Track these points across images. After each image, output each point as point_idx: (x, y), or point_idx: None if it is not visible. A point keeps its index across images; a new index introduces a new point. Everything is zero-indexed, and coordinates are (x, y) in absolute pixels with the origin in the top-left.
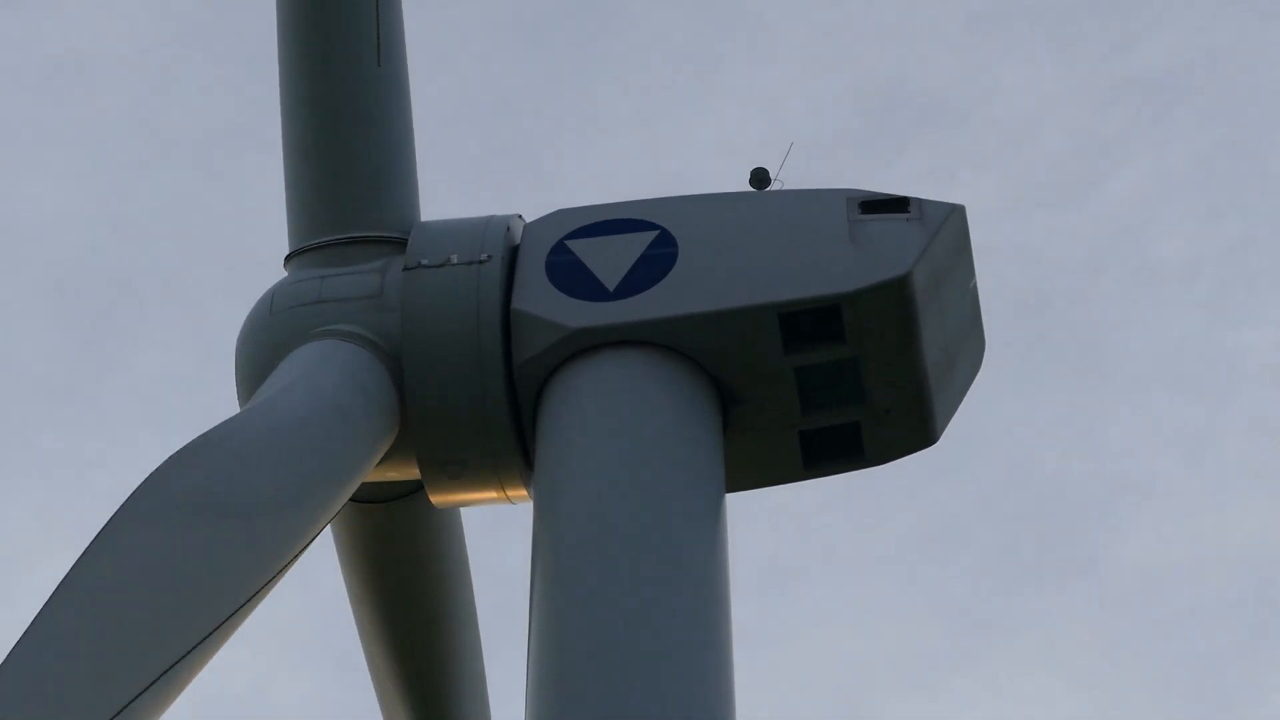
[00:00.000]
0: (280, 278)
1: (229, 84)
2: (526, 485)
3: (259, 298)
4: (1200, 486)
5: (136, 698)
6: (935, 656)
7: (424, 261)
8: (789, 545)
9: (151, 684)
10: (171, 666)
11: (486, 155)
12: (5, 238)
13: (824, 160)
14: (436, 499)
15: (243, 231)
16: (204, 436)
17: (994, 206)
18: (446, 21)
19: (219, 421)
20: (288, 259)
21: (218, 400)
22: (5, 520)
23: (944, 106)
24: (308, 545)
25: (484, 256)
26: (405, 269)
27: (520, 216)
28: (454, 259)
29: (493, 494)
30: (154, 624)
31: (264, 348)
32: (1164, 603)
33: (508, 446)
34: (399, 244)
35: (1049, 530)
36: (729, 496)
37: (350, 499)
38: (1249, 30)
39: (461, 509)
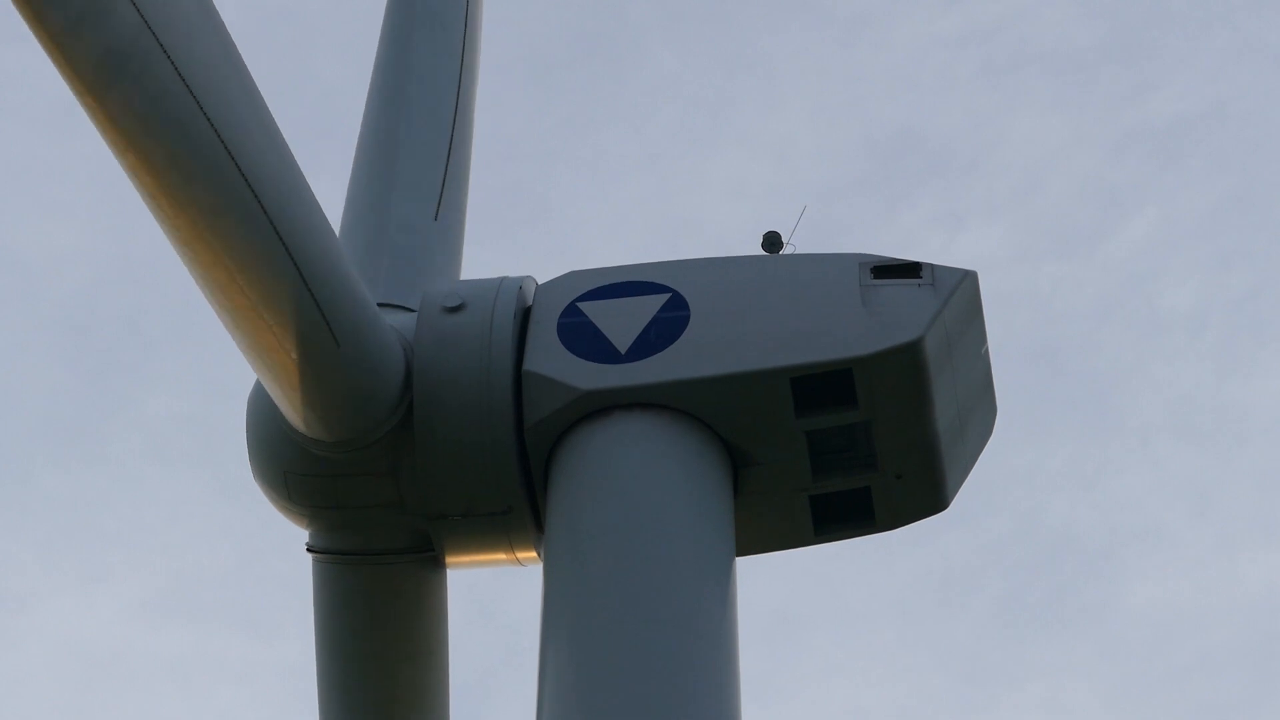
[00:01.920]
0: None
1: None
2: (536, 547)
3: (257, 413)
4: (1208, 537)
5: None
6: (942, 706)
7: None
8: (795, 594)
9: None
10: None
11: (494, 198)
12: (14, 276)
13: (832, 208)
14: (445, 560)
15: None
16: None
17: (1002, 255)
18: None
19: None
20: None
21: (225, 441)
22: (9, 560)
23: (952, 155)
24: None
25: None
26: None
27: (532, 278)
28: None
29: (502, 555)
30: None
31: (289, 515)
32: (1170, 653)
33: (519, 508)
34: (401, 423)
35: (1056, 580)
36: (739, 560)
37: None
38: (1259, 80)
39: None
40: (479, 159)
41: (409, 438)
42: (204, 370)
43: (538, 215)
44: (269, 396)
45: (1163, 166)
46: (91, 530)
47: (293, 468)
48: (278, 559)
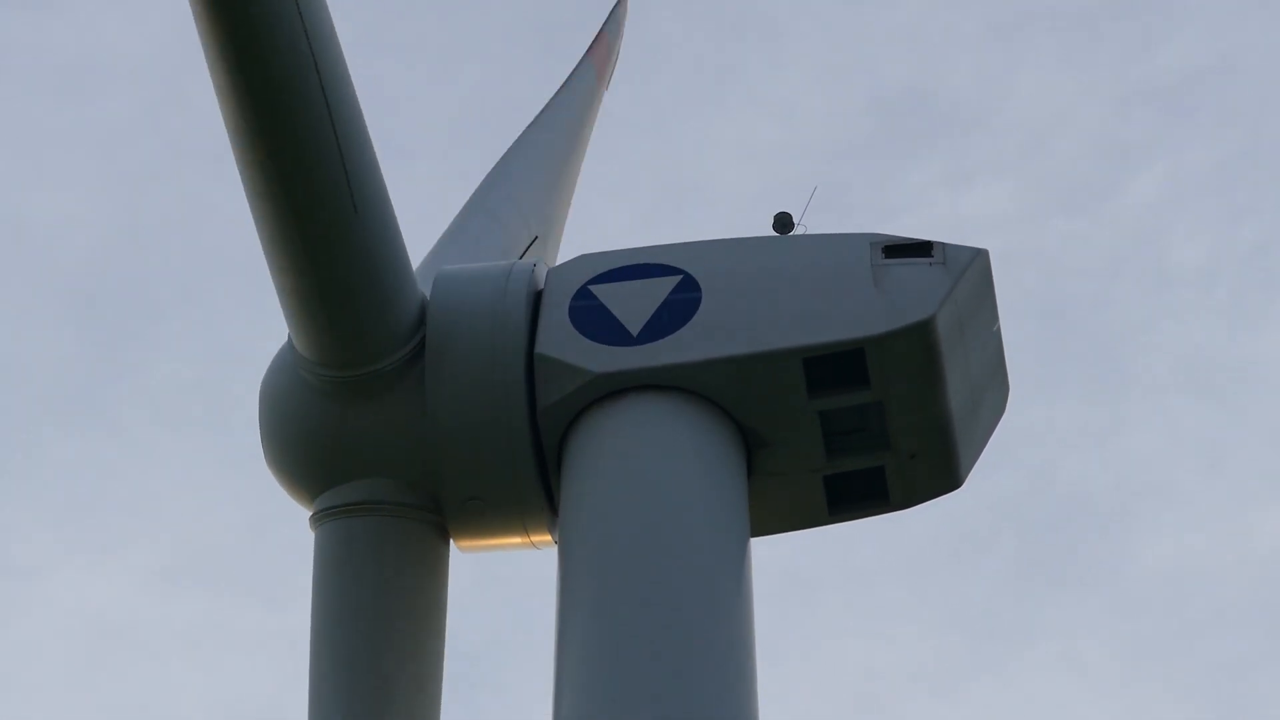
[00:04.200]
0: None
1: None
2: (551, 530)
3: (271, 385)
4: (1221, 493)
5: None
6: (954, 664)
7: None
8: (807, 552)
9: None
10: None
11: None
12: (21, 243)
13: (839, 168)
14: (461, 544)
15: (258, 247)
16: None
17: (1010, 212)
18: (460, 28)
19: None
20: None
21: (234, 408)
22: (18, 530)
23: (960, 112)
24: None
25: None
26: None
27: (542, 261)
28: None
29: (517, 539)
30: None
31: (298, 486)
32: (1184, 610)
33: (532, 491)
34: (414, 352)
35: (1068, 537)
36: (754, 541)
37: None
38: (1268, 33)
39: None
40: (479, 121)
41: (421, 403)
42: (211, 336)
43: None
44: (283, 371)
45: (1171, 121)
46: (100, 499)
47: (301, 409)
48: (288, 526)
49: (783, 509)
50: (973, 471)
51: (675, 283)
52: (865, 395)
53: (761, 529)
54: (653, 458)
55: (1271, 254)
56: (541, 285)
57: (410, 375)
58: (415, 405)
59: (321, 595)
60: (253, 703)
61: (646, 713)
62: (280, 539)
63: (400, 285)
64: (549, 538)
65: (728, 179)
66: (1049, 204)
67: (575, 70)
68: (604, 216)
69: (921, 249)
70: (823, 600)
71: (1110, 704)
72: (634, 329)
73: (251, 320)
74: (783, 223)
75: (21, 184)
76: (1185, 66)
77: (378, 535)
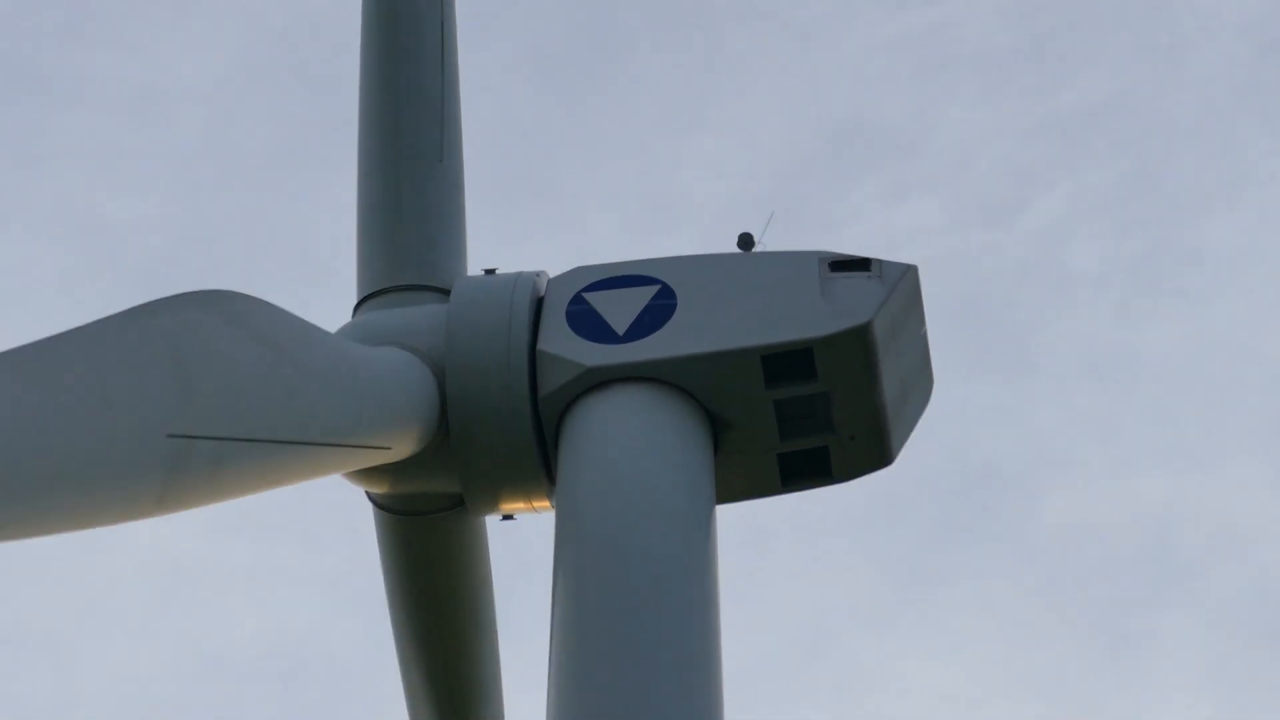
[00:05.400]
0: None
1: (292, 113)
2: (550, 498)
3: None
4: (1109, 462)
5: None
6: (886, 603)
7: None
8: (765, 509)
9: None
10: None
11: (503, 177)
12: (104, 243)
13: (793, 186)
14: (474, 510)
15: (303, 245)
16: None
17: (936, 224)
18: (469, 63)
19: None
20: (355, 308)
21: None
22: None
23: (895, 139)
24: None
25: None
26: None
27: (544, 272)
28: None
29: (521, 505)
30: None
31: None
32: (1078, 559)
33: (534, 466)
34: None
35: (982, 499)
36: (718, 508)
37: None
38: (1151, 75)
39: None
40: (490, 143)
41: (445, 429)
42: None
43: (540, 192)
44: None
45: (1072, 149)
46: None
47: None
48: (325, 482)
49: (743, 481)
50: (904, 450)
51: (655, 291)
52: (814, 387)
53: (725, 497)
54: (634, 437)
55: (1154, 261)
56: (543, 292)
57: (441, 448)
58: (445, 458)
59: (392, 581)
60: (295, 632)
61: (623, 655)
62: (317, 492)
63: (422, 424)
64: (548, 504)
65: (699, 192)
66: (969, 218)
67: None
68: (592, 225)
69: (861, 264)
70: (777, 551)
71: (1017, 635)
72: (620, 330)
73: (304, 311)
74: (745, 241)
75: (104, 193)
76: (1084, 103)
77: (426, 532)
